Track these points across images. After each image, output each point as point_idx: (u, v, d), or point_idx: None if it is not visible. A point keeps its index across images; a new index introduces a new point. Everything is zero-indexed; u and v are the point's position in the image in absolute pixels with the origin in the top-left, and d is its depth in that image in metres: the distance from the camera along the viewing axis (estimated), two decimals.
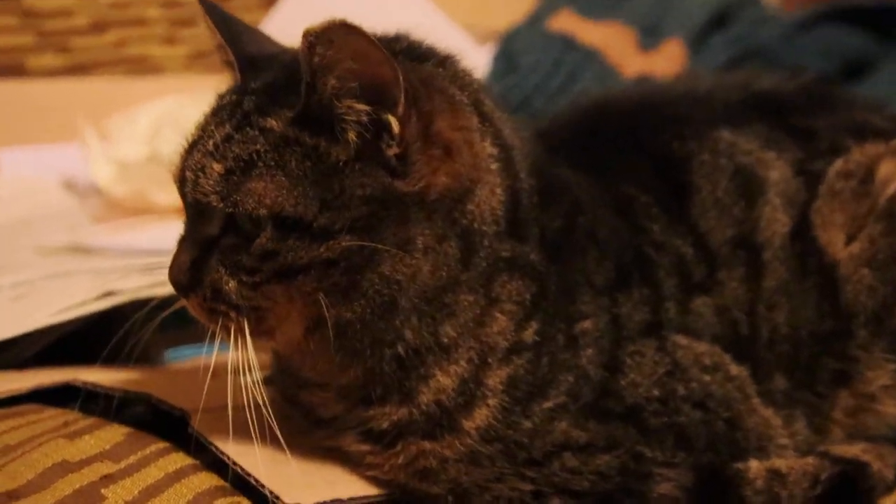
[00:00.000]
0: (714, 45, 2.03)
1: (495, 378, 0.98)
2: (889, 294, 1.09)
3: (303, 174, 0.93)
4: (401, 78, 0.92)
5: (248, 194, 0.93)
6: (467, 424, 0.98)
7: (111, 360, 1.20)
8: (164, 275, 1.27)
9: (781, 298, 1.09)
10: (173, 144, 1.84)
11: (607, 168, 1.12)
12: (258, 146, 0.94)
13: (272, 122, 0.94)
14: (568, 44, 1.94)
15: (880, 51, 2.18)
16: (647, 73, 1.87)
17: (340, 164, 0.93)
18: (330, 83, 0.92)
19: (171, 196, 1.79)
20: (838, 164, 1.14)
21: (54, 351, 1.28)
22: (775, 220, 1.11)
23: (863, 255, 1.10)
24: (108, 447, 1.00)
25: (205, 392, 1.02)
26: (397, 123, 0.93)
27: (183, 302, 1.02)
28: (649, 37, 1.99)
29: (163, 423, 1.08)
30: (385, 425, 0.99)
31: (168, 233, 1.63)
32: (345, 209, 0.93)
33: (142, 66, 2.24)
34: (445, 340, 0.97)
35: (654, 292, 1.06)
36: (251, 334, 0.96)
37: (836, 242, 1.11)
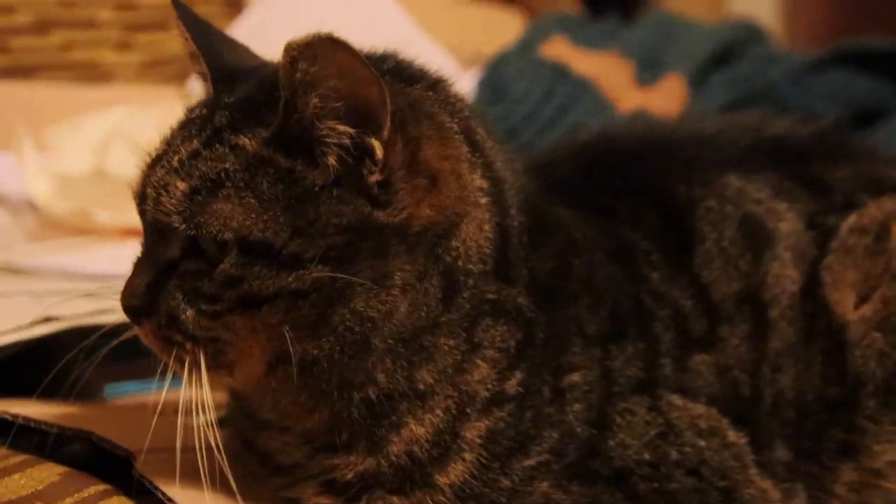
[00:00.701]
0: (716, 84, 2.06)
1: (473, 430, 0.99)
2: None
3: (274, 198, 0.94)
4: (388, 100, 0.93)
5: (213, 216, 0.93)
6: (441, 480, 0.99)
7: (43, 394, 1.21)
8: (110, 301, 1.29)
9: (788, 361, 1.11)
10: (123, 160, 1.87)
11: (607, 209, 1.13)
12: (227, 165, 0.95)
13: (245, 140, 0.95)
14: (560, 73, 1.96)
15: (892, 97, 2.22)
16: (645, 109, 1.90)
17: (316, 189, 0.94)
18: (312, 102, 0.93)
19: (116, 216, 1.80)
20: (852, 219, 1.16)
21: None
22: (784, 277, 1.12)
23: (875, 318, 1.12)
24: (41, 487, 1.00)
25: (151, 431, 1.03)
26: (381, 148, 0.94)
27: (133, 332, 1.02)
28: (648, 70, 2.02)
29: (103, 463, 1.08)
30: (349, 476, 0.99)
31: (113, 256, 1.66)
32: (318, 237, 0.93)
33: (90, 73, 2.25)
34: (421, 387, 0.98)
35: (650, 346, 1.07)
36: (208, 368, 0.97)
37: (846, 303, 1.13)
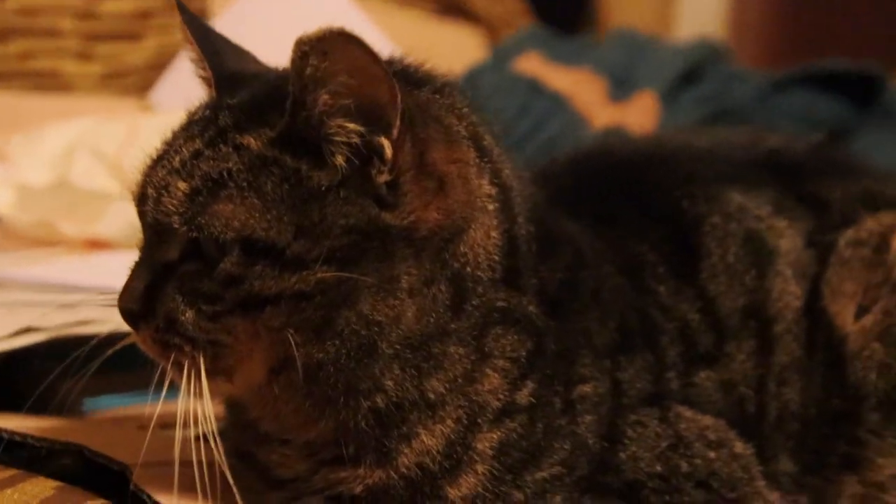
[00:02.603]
0: (685, 101, 2.08)
1: (485, 442, 0.97)
2: None
3: (279, 198, 0.92)
4: (399, 98, 0.91)
5: (214, 217, 0.91)
6: (452, 493, 0.96)
7: (17, 407, 1.17)
8: (89, 312, 1.25)
9: (793, 375, 1.10)
10: (88, 171, 1.83)
11: (612, 222, 1.12)
12: (230, 164, 0.93)
13: (249, 140, 0.93)
14: (535, 88, 1.96)
15: (856, 118, 2.25)
16: (619, 125, 1.90)
17: (322, 189, 0.92)
18: (321, 99, 0.91)
19: (81, 228, 1.76)
20: (849, 232, 1.16)
21: None
22: (787, 293, 1.12)
23: (875, 329, 1.12)
24: (35, 503, 0.96)
25: (146, 444, 1.00)
26: (391, 148, 0.93)
27: (120, 345, 1.00)
28: (620, 87, 2.03)
29: (93, 477, 1.04)
30: (358, 490, 0.97)
31: (81, 268, 1.62)
32: (323, 238, 0.91)
33: (49, 82, 2.21)
34: (431, 396, 0.96)
35: (658, 360, 1.06)
36: (207, 373, 0.94)
37: (845, 314, 1.13)
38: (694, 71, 2.17)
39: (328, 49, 0.89)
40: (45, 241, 1.75)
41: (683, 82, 2.12)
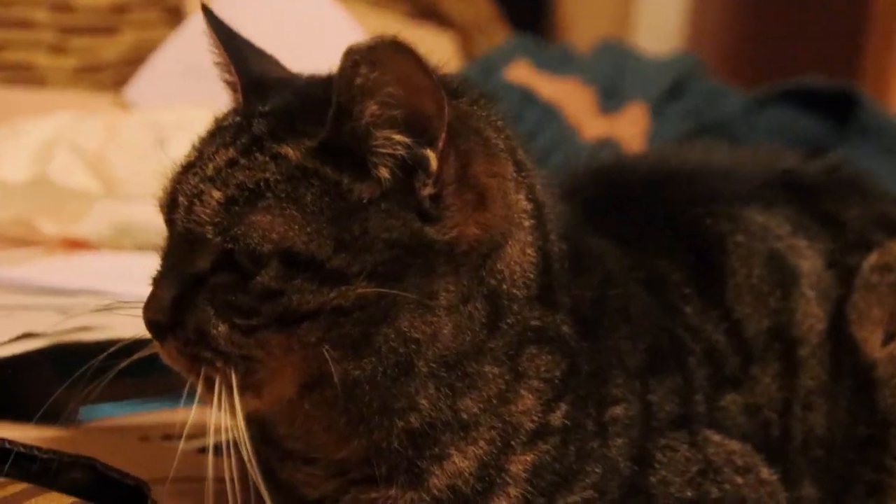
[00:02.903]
0: (671, 115, 2.07)
1: (518, 464, 0.95)
2: None
3: (319, 210, 0.89)
4: (446, 110, 0.89)
5: (251, 227, 0.88)
6: None
7: (9, 415, 1.13)
8: (88, 318, 1.21)
9: (819, 399, 1.09)
10: (67, 167, 1.78)
11: (636, 239, 1.11)
12: (267, 174, 0.90)
13: (287, 150, 0.91)
14: (527, 97, 1.94)
15: (834, 134, 2.27)
16: (610, 137, 1.89)
17: (364, 202, 0.90)
18: (369, 109, 0.88)
19: (60, 226, 1.71)
20: (873, 257, 1.15)
21: None
22: (811, 315, 1.11)
23: None
24: None
25: (170, 460, 0.97)
26: (436, 160, 0.91)
27: (142, 353, 0.96)
28: (610, 99, 2.02)
29: (103, 491, 1.00)
30: None
31: (64, 269, 1.57)
32: (364, 252, 0.89)
33: (22, 75, 2.15)
34: (465, 416, 0.94)
35: (686, 382, 1.04)
36: (238, 389, 0.90)
37: (873, 340, 1.12)
38: (677, 84, 2.17)
39: (379, 59, 0.86)
40: (23, 240, 1.70)
41: (669, 96, 2.13)
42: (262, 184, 0.89)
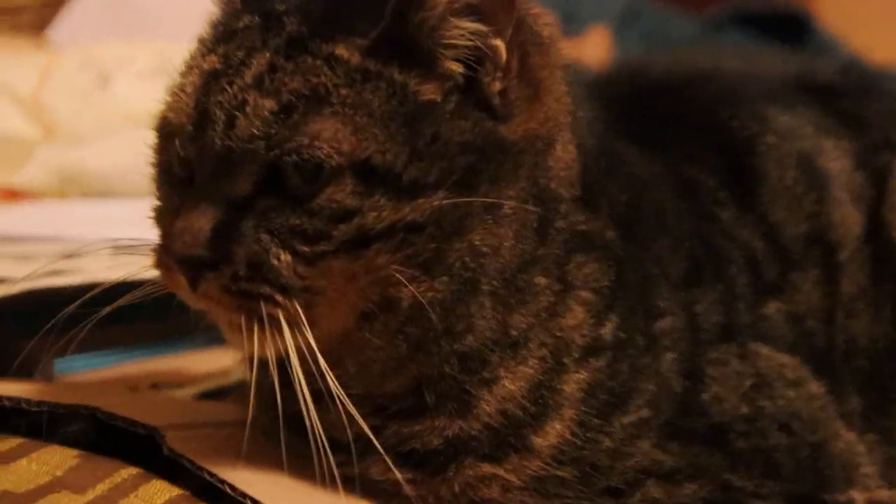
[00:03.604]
0: (629, 38, 2.03)
1: (572, 384, 0.88)
2: None
3: (388, 115, 0.81)
4: None
5: (315, 137, 0.79)
6: (537, 442, 0.87)
7: None
8: (54, 263, 1.11)
9: (860, 306, 1.04)
10: (3, 113, 1.66)
11: (661, 144, 1.04)
12: (323, 79, 0.81)
13: (343, 51, 0.82)
14: None
15: None
16: (574, 59, 1.83)
17: (431, 104, 0.82)
18: None
19: None
20: None
21: None
22: (847, 218, 1.06)
23: None
24: (60, 474, 0.83)
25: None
26: (505, 51, 0.84)
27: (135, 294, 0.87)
28: (570, 23, 1.96)
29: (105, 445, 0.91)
30: (435, 443, 0.86)
31: (16, 217, 1.46)
32: (439, 159, 0.81)
33: None
34: (514, 333, 0.86)
35: (728, 290, 0.98)
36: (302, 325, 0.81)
37: None
38: (631, 8, 2.12)
39: None
40: None
41: (625, 19, 2.08)
42: (320, 89, 0.81)
